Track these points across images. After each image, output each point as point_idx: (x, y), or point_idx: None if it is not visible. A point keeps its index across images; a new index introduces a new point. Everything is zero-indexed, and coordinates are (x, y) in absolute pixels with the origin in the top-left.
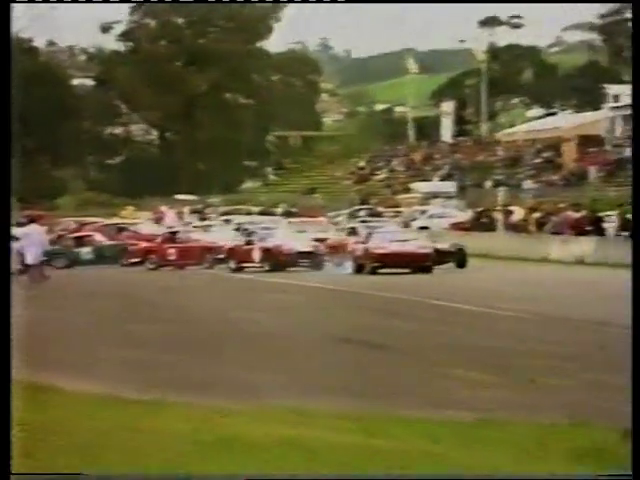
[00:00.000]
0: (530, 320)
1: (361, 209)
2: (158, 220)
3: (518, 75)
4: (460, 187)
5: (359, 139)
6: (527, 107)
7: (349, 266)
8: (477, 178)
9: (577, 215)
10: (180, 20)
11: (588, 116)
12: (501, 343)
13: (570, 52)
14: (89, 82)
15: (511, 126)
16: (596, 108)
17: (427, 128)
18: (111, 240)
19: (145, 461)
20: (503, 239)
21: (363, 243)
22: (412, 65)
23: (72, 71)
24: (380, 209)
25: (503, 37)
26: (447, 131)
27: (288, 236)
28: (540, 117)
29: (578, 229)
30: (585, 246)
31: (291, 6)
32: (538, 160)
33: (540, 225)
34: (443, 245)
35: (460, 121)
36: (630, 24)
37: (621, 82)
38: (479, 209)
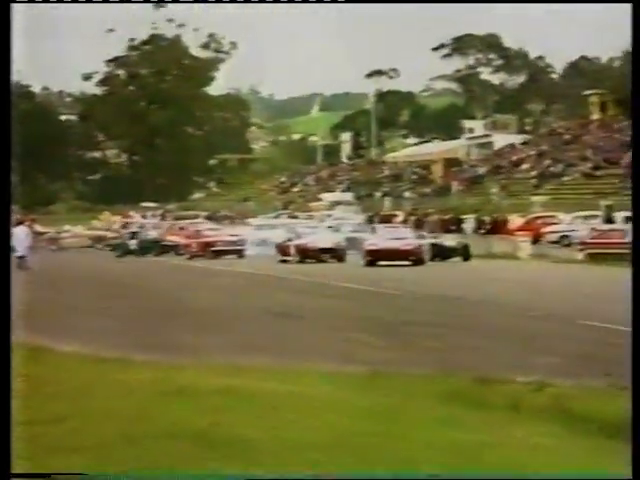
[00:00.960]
0: (411, 297)
1: (283, 213)
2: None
3: (398, 113)
4: (357, 197)
5: (281, 161)
6: (406, 137)
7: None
8: (369, 190)
9: (445, 218)
10: (144, 71)
11: (451, 144)
12: (389, 315)
13: (437, 96)
14: (74, 118)
15: (394, 151)
16: (456, 138)
17: (331, 152)
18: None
19: (118, 404)
20: None
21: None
22: (318, 105)
23: (61, 109)
24: (297, 213)
25: (386, 84)
26: (347, 154)
27: (317, 235)
28: (415, 144)
29: (445, 228)
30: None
31: (229, 60)
32: (414, 177)
33: (417, 226)
34: (450, 242)
35: (356, 147)
36: (481, 76)
37: (474, 118)
38: (371, 213)
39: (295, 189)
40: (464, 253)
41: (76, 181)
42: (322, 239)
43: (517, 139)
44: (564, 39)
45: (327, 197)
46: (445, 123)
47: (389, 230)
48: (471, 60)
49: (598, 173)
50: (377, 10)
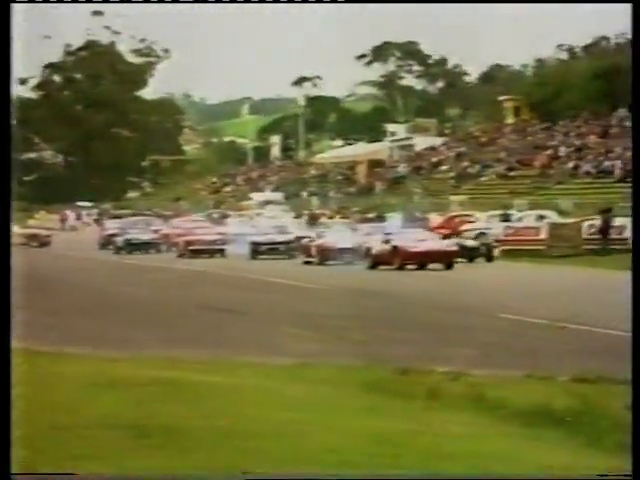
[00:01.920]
0: (339, 292)
1: (214, 212)
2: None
3: (325, 117)
4: (285, 196)
5: (212, 162)
6: (332, 139)
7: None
8: (297, 190)
9: (370, 215)
10: (80, 75)
11: (374, 146)
12: (319, 309)
13: (361, 101)
14: (11, 121)
15: (321, 152)
16: (380, 140)
17: (261, 154)
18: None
19: (51, 396)
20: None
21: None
22: (248, 109)
23: None
24: (228, 212)
25: (314, 90)
26: (275, 156)
27: (337, 236)
28: (341, 146)
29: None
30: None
31: (162, 65)
32: (340, 177)
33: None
34: (473, 242)
35: (285, 149)
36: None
37: (396, 122)
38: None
39: (226, 189)
40: (487, 254)
41: (13, 182)
42: (343, 239)
43: (437, 142)
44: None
45: (257, 197)
46: (369, 126)
47: (410, 231)
48: (391, 67)
49: (512, 174)
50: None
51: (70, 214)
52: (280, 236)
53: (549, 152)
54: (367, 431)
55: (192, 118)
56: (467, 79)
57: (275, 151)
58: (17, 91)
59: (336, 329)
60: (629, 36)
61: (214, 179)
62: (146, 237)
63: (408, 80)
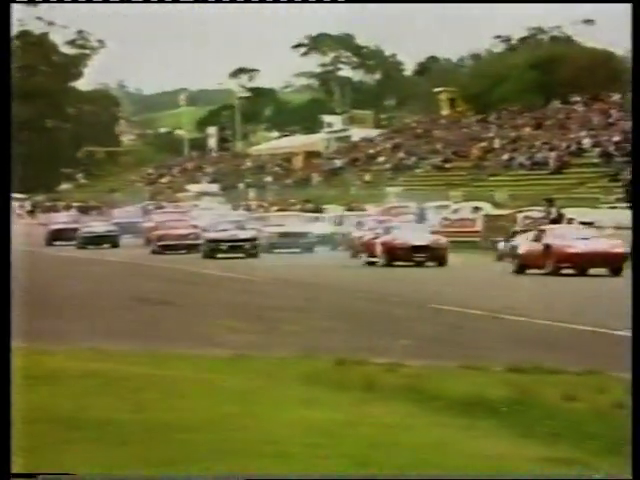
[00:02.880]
0: (274, 284)
1: (150, 204)
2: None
3: (261, 108)
4: (222, 188)
5: (148, 153)
6: (269, 131)
7: None
8: (234, 181)
9: (307, 206)
10: (12, 66)
11: (311, 137)
12: (255, 300)
13: (298, 92)
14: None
15: (258, 144)
16: (316, 132)
17: (198, 145)
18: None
19: None
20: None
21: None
22: (185, 100)
23: None
24: (164, 204)
25: (250, 82)
26: (212, 147)
27: (407, 231)
28: (278, 138)
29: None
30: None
31: (97, 56)
32: (277, 168)
33: None
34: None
35: (221, 140)
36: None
37: (333, 113)
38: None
39: (163, 180)
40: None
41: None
42: (416, 236)
43: (373, 133)
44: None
45: (193, 188)
46: (306, 118)
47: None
48: (328, 58)
49: (447, 166)
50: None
51: None
52: (242, 232)
53: (484, 144)
54: (304, 422)
55: (128, 109)
56: (403, 71)
57: (212, 142)
58: None
59: (268, 319)
60: (565, 29)
61: (150, 170)
62: (103, 230)
63: (345, 72)
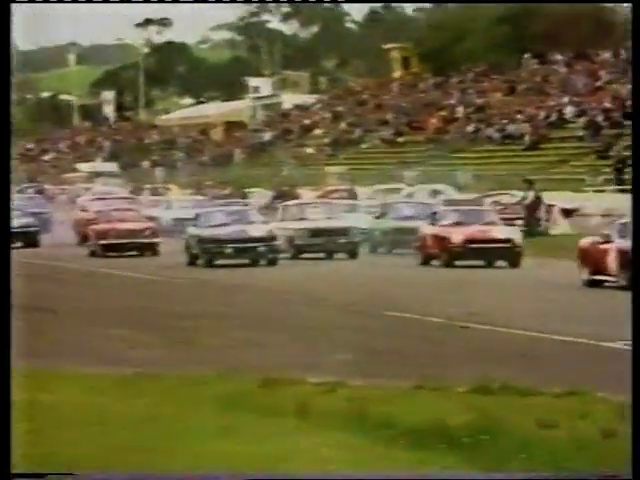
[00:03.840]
0: (184, 285)
1: (29, 187)
2: None
3: (171, 68)
4: (122, 167)
5: (26, 123)
6: (180, 96)
7: None
8: (137, 159)
9: (225, 191)
10: None
11: (233, 105)
12: (159, 305)
13: (216, 49)
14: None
15: (167, 113)
16: (239, 98)
17: (90, 114)
18: None
19: None
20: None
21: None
22: (74, 58)
23: None
24: (47, 187)
25: (158, 36)
26: (109, 116)
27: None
28: (192, 105)
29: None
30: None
31: None
32: (190, 143)
33: None
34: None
35: (121, 108)
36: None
37: (260, 75)
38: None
39: (45, 158)
40: None
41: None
42: (498, 228)
43: (309, 100)
44: None
45: (85, 167)
46: (227, 80)
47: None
48: (252, 6)
49: (400, 140)
50: None
51: None
52: (252, 228)
53: (444, 113)
54: (222, 457)
55: None
56: (347, 23)
57: (108, 110)
58: None
59: (177, 330)
60: None
61: (29, 145)
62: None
63: (274, 23)
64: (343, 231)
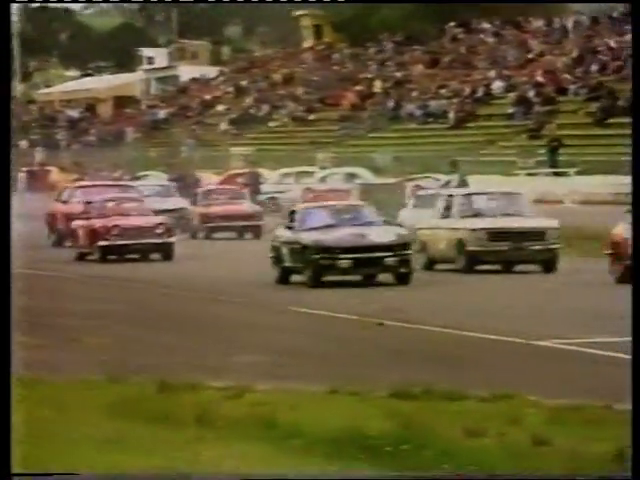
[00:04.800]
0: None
1: None
2: None
3: (53, 36)
4: None
5: None
6: (63, 68)
7: None
8: (13, 138)
9: (116, 174)
10: None
11: (123, 77)
12: (44, 303)
13: (105, 15)
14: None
15: (47, 86)
16: (131, 70)
17: None
18: None
19: None
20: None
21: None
22: None
23: None
24: None
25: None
26: None
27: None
28: (76, 78)
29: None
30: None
31: None
32: (75, 120)
33: None
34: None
35: None
36: None
37: (155, 45)
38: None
39: None
40: None
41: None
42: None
43: (210, 72)
44: None
45: None
46: (117, 50)
47: None
48: None
49: (312, 117)
50: None
51: None
52: (373, 232)
53: (360, 87)
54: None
55: None
56: None
57: None
58: None
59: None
60: None
61: None
62: None
63: None
64: (538, 233)
